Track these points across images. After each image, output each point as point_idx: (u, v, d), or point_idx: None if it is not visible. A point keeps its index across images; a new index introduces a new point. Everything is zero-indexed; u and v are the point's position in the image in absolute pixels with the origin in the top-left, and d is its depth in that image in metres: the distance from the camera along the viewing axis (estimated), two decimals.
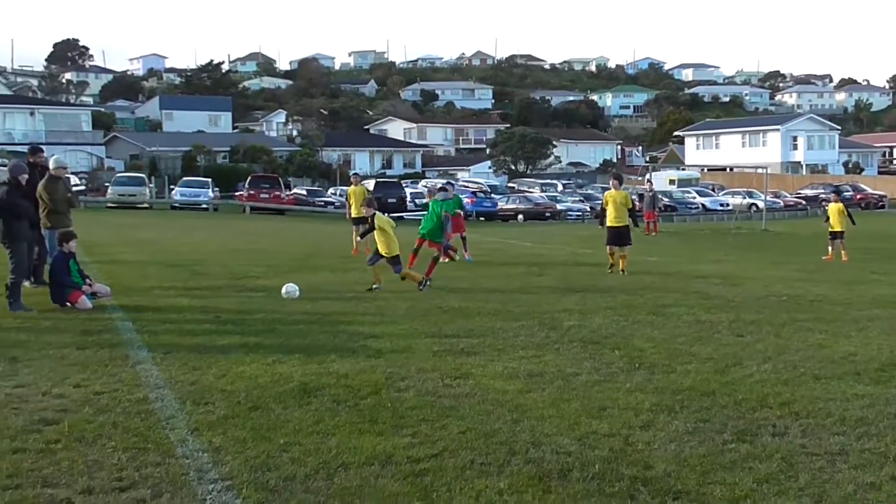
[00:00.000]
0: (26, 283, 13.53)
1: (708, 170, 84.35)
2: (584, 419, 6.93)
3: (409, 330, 10.94)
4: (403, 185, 59.11)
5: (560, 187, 70.05)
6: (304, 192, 59.13)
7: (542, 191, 65.40)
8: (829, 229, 24.44)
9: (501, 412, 7.11)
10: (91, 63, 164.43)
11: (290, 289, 13.37)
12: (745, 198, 61.91)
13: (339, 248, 23.00)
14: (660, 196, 45.65)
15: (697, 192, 64.12)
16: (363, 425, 6.66)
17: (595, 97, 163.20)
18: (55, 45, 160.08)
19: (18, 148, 62.18)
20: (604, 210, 18.39)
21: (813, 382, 8.31)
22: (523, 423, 6.79)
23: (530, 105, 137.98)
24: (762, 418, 7.05)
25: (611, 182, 19.43)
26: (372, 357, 9.19)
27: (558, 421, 6.88)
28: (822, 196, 65.20)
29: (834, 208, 24.79)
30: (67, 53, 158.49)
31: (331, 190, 62.44)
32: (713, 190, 67.61)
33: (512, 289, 15.40)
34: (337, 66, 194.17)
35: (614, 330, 11.20)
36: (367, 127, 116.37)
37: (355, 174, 26.03)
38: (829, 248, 24.22)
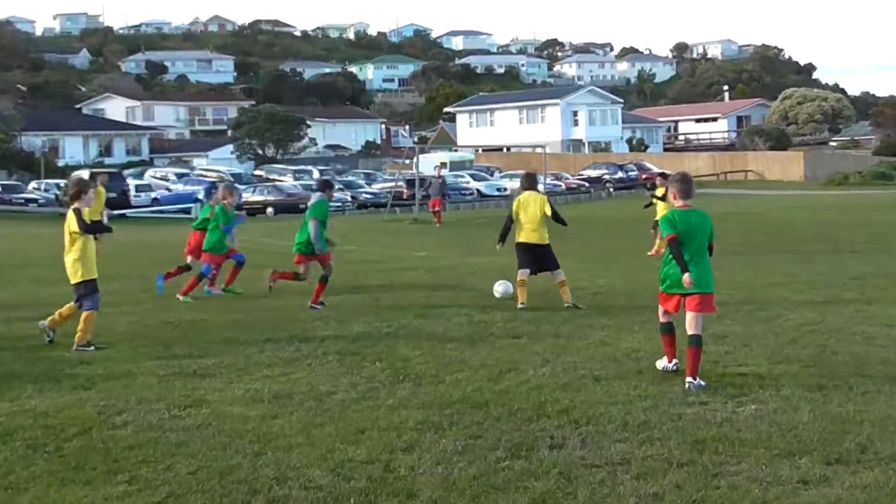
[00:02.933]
0: None
1: (483, 150, 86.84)
2: (338, 445, 6.92)
3: (129, 352, 10.62)
4: (125, 175, 57.41)
5: (316, 174, 69.96)
6: None
7: (296, 179, 65.12)
8: (655, 218, 22.49)
9: (241, 444, 6.99)
10: None
11: (506, 287, 14.33)
12: None
13: (47, 257, 21.90)
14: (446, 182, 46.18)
15: (472, 175, 65.64)
16: (66, 474, 6.38)
17: (354, 69, 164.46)
18: None
19: None
20: (511, 220, 14.38)
21: (593, 385, 8.70)
22: (267, 456, 6.71)
23: (279, 78, 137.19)
24: (539, 429, 7.30)
25: (522, 182, 15.26)
26: (80, 388, 8.83)
27: (309, 450, 6.84)
28: (606, 177, 68.66)
29: (663, 193, 22.63)
30: None
31: (33, 184, 59.44)
32: (489, 173, 69.50)
33: (259, 295, 15.18)
34: (39, 32, 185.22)
35: (377, 338, 11.30)
36: (79, 106, 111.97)
37: (103, 173, 25.34)
38: (656, 241, 22.24)
